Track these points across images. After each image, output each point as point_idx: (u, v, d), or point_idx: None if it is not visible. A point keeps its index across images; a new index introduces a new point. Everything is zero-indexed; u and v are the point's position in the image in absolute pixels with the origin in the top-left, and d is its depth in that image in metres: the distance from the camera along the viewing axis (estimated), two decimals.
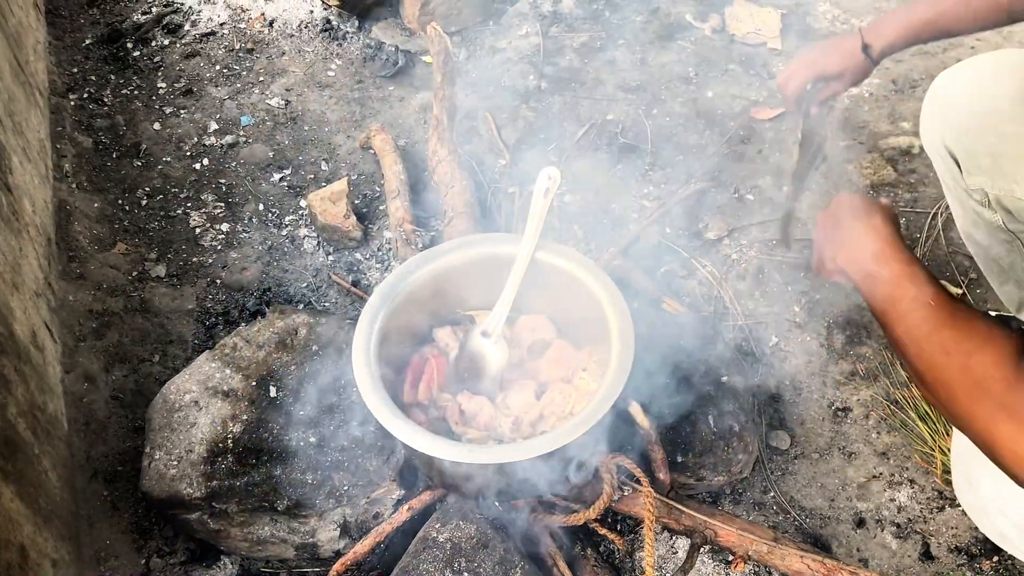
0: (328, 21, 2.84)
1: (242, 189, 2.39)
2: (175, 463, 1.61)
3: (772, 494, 1.78)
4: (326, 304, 2.12)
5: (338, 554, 1.62)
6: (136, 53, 2.77)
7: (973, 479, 1.32)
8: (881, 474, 1.80)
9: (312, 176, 2.43)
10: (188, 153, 2.48)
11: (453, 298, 1.77)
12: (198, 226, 2.29)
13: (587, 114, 2.55)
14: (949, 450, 1.77)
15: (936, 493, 1.77)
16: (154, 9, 2.90)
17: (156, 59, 2.76)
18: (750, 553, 1.58)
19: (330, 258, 2.22)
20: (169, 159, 2.46)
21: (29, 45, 2.43)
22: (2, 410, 1.44)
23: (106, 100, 2.62)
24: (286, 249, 2.24)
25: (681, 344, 1.80)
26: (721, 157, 2.40)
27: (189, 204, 2.34)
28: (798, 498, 1.78)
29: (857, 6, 2.84)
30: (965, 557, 1.68)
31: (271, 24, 2.85)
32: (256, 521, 1.61)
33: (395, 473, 1.63)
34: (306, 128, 2.56)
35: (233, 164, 2.45)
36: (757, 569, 1.66)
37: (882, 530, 1.73)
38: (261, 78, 2.70)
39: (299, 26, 2.85)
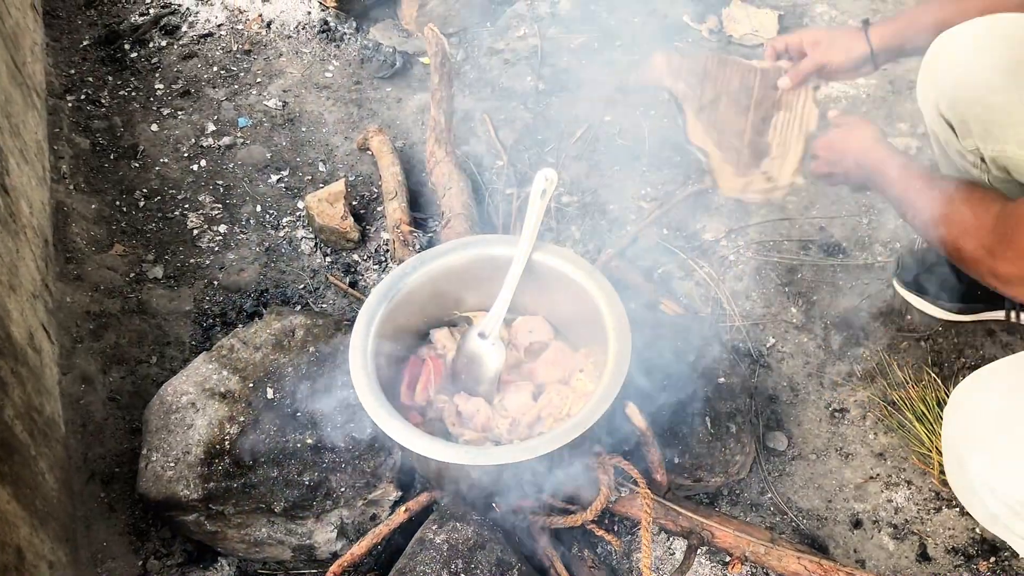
0: (326, 22, 2.84)
1: (240, 190, 2.39)
2: (172, 465, 1.61)
3: (769, 495, 1.78)
4: (323, 305, 2.12)
5: (335, 556, 1.62)
6: (134, 54, 2.77)
7: (963, 460, 1.35)
8: (878, 475, 1.81)
9: (310, 177, 2.43)
10: (186, 154, 2.48)
11: (450, 299, 1.77)
12: (196, 227, 2.29)
13: (584, 115, 2.55)
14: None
15: (933, 494, 1.77)
16: (152, 10, 2.90)
17: (154, 60, 2.76)
18: (747, 554, 1.58)
19: (327, 259, 2.22)
20: (167, 160, 2.46)
21: (26, 46, 2.43)
22: None
23: (103, 101, 2.62)
24: (283, 250, 2.24)
25: (678, 345, 1.80)
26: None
27: (187, 205, 2.34)
28: (795, 499, 1.78)
29: (854, 7, 2.84)
30: (962, 558, 1.69)
31: (269, 25, 2.85)
32: (253, 523, 1.61)
33: (392, 475, 1.63)
34: (303, 129, 2.56)
35: (231, 165, 2.45)
36: (754, 570, 1.66)
37: (879, 531, 1.73)
38: (259, 79, 2.70)
39: (297, 27, 2.85)
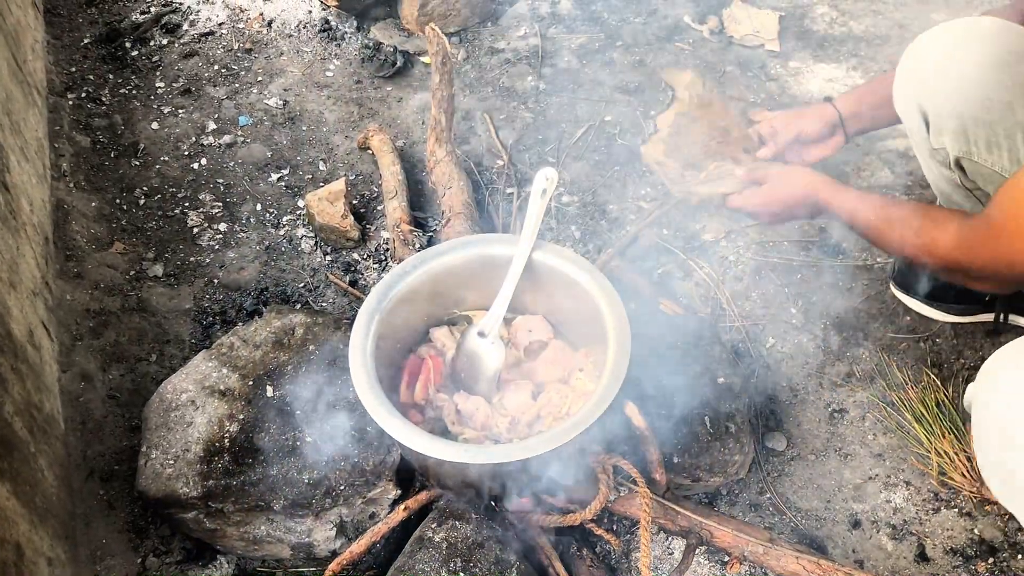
0: (327, 21, 2.85)
1: (240, 189, 2.39)
2: (171, 462, 1.61)
3: (768, 495, 1.78)
4: (323, 304, 2.12)
5: (334, 554, 1.62)
6: (134, 53, 2.77)
7: (979, 400, 1.41)
8: (877, 476, 1.81)
9: (310, 176, 2.43)
10: (186, 153, 2.48)
11: (450, 298, 1.77)
12: (196, 226, 2.29)
13: (585, 115, 2.55)
14: (945, 452, 1.77)
15: (932, 495, 1.77)
16: (153, 9, 2.90)
17: (154, 59, 2.76)
18: (746, 554, 1.58)
19: (327, 258, 2.22)
20: (167, 159, 2.46)
21: (27, 44, 2.43)
22: None
23: (104, 99, 2.62)
24: (284, 249, 2.24)
25: (678, 345, 1.80)
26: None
27: (187, 204, 2.34)
28: (794, 499, 1.78)
29: (855, 8, 2.85)
30: (961, 559, 1.69)
31: (270, 24, 2.86)
32: (252, 520, 1.61)
33: (391, 473, 1.63)
34: (304, 128, 2.56)
35: (231, 164, 2.45)
36: (753, 570, 1.66)
37: (878, 531, 1.73)
38: (259, 78, 2.70)
39: (297, 26, 2.85)
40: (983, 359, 1.94)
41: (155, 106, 2.61)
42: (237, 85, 2.67)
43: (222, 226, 2.29)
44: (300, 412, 1.67)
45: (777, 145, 1.79)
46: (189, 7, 2.90)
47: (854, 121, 1.79)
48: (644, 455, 1.62)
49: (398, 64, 2.69)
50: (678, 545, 1.70)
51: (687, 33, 2.79)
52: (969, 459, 1.76)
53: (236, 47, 2.79)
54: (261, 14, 2.88)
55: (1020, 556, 1.68)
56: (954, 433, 1.79)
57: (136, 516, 1.72)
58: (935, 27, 1.61)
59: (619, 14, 2.87)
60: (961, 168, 1.62)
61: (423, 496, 1.63)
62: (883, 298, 2.07)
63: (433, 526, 1.55)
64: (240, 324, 1.88)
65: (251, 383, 1.72)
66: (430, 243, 2.09)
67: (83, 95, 2.62)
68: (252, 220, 2.31)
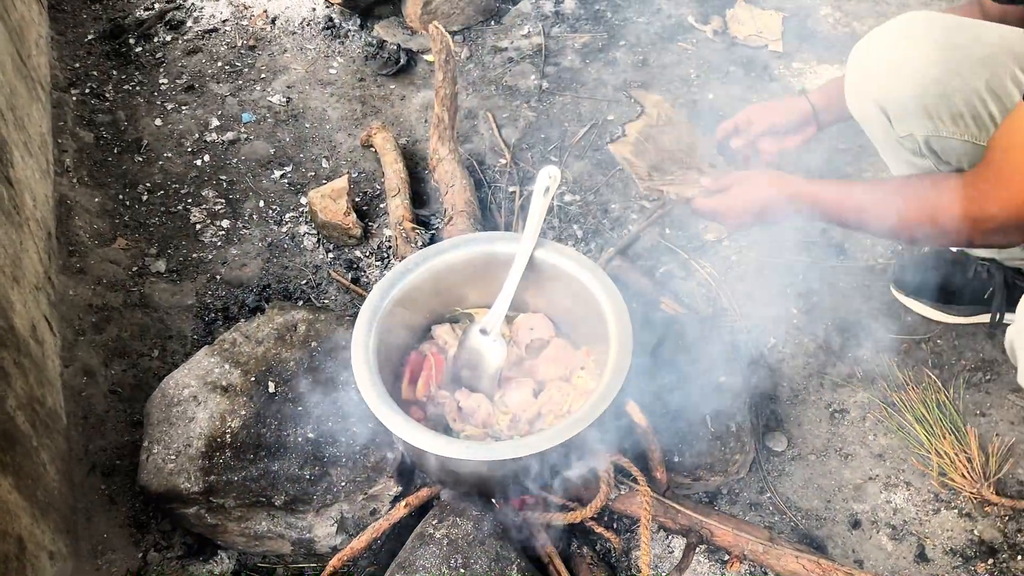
0: (330, 19, 2.85)
1: (243, 186, 2.39)
2: (173, 457, 1.62)
3: (768, 495, 1.79)
4: (325, 301, 2.12)
5: (335, 550, 1.62)
6: (138, 49, 2.78)
7: (1020, 341, 1.43)
8: (877, 476, 1.81)
9: (313, 173, 2.43)
10: (189, 149, 2.48)
11: (452, 296, 1.77)
12: (198, 222, 2.29)
13: (588, 114, 2.55)
14: (945, 453, 1.77)
15: (932, 495, 1.77)
16: (157, 5, 2.90)
17: (158, 55, 2.76)
18: (746, 553, 1.59)
19: (330, 255, 2.22)
20: (170, 155, 2.47)
21: (31, 39, 2.43)
22: (1, 403, 1.45)
23: (108, 95, 2.62)
24: (286, 246, 2.25)
25: (679, 344, 1.80)
26: (721, 159, 2.40)
27: (190, 200, 2.35)
28: (794, 499, 1.79)
29: (858, 9, 2.85)
30: (960, 559, 1.69)
31: (273, 21, 2.86)
32: (253, 516, 1.61)
33: (393, 469, 1.63)
34: (307, 125, 2.56)
35: (234, 161, 2.46)
36: (753, 569, 1.67)
37: (877, 532, 1.74)
38: (263, 75, 2.70)
39: (301, 24, 2.85)
40: (984, 360, 1.95)
41: (158, 102, 2.61)
42: (240, 82, 2.68)
43: (225, 223, 2.29)
44: (301, 408, 1.67)
45: (750, 135, 1.80)
46: (193, 4, 2.90)
47: (827, 113, 1.80)
48: (645, 453, 1.63)
49: (401, 62, 2.69)
50: (678, 544, 1.70)
51: (690, 33, 2.79)
52: (969, 460, 1.76)
53: (240, 44, 2.80)
54: (265, 11, 2.88)
55: (1020, 557, 1.68)
56: (954, 434, 1.80)
57: (137, 511, 1.72)
58: (871, 32, 1.66)
59: (622, 13, 2.88)
60: (933, 152, 1.64)
61: (424, 493, 1.64)
62: (884, 299, 2.07)
63: (434, 523, 1.55)
64: (242, 320, 1.88)
65: (253, 379, 1.72)
66: (432, 241, 2.09)
67: (87, 91, 2.62)
68: (255, 217, 2.31)
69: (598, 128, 2.50)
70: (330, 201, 2.21)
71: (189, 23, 2.86)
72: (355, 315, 1.60)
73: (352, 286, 2.13)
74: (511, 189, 2.32)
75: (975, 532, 1.72)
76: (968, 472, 1.75)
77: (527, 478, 1.51)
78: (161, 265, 2.18)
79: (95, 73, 2.69)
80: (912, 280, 2.00)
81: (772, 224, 1.65)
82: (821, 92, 1.82)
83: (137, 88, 2.66)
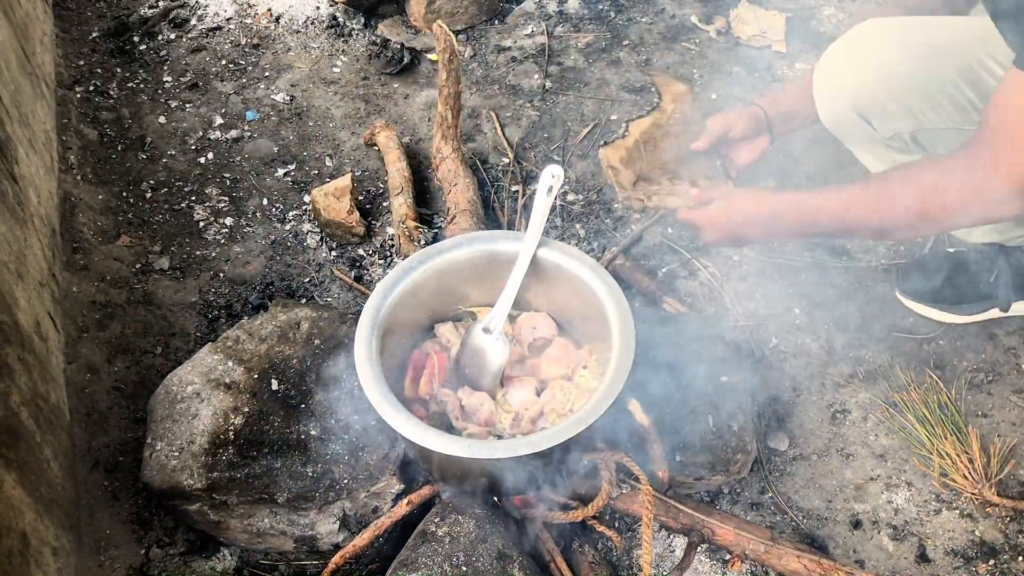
0: (334, 18, 2.85)
1: (246, 184, 2.40)
2: (176, 454, 1.62)
3: (770, 494, 1.79)
4: (328, 299, 2.12)
5: (337, 547, 1.63)
6: (142, 47, 2.78)
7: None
8: (878, 476, 1.81)
9: (316, 172, 2.43)
10: (193, 147, 2.49)
11: (455, 294, 1.77)
12: (202, 220, 2.30)
13: (591, 114, 2.56)
14: (947, 453, 1.78)
15: (933, 496, 1.77)
16: (161, 3, 2.91)
17: (162, 53, 2.77)
18: (747, 552, 1.59)
19: (333, 253, 2.23)
20: (174, 152, 2.47)
21: (36, 37, 2.44)
22: (5, 399, 1.45)
23: (112, 93, 2.63)
24: (289, 244, 2.25)
25: (681, 344, 1.80)
26: (723, 159, 2.40)
27: (193, 198, 2.35)
28: (795, 499, 1.79)
29: (862, 10, 2.84)
30: (961, 560, 1.69)
31: (277, 20, 2.86)
32: (256, 513, 1.62)
33: (395, 467, 1.63)
34: (311, 124, 2.57)
35: (238, 159, 2.46)
36: (754, 568, 1.67)
37: (879, 532, 1.74)
38: (267, 73, 2.71)
39: (305, 22, 2.86)
40: (985, 361, 1.95)
41: (162, 100, 2.62)
42: (244, 80, 2.68)
43: (228, 220, 2.30)
44: (304, 406, 1.68)
45: (709, 139, 1.80)
46: (197, 2, 2.91)
47: (779, 119, 1.82)
48: (647, 452, 1.63)
49: (405, 61, 2.69)
50: (679, 543, 1.70)
51: (694, 33, 2.80)
52: (971, 461, 1.76)
53: (244, 42, 2.80)
54: (269, 10, 2.89)
55: (1021, 558, 1.69)
56: (956, 435, 1.80)
57: (140, 507, 1.73)
58: (829, 47, 1.71)
59: (626, 13, 2.88)
60: (920, 145, 1.67)
61: (426, 491, 1.64)
62: (886, 299, 2.07)
63: (436, 520, 1.56)
64: (246, 318, 1.88)
65: (256, 376, 1.72)
66: (435, 239, 2.10)
67: (91, 88, 2.63)
68: (258, 215, 2.32)
69: (601, 128, 2.51)
70: (333, 199, 2.21)
71: (193, 21, 2.86)
72: (358, 313, 1.60)
73: (355, 284, 2.13)
74: (514, 188, 2.32)
75: (976, 533, 1.72)
76: (969, 473, 1.75)
77: (529, 476, 1.52)
78: (165, 262, 2.18)
79: (99, 70, 2.69)
80: (918, 285, 2.00)
81: (750, 245, 1.64)
82: (769, 97, 1.83)
83: (141, 86, 2.66)
